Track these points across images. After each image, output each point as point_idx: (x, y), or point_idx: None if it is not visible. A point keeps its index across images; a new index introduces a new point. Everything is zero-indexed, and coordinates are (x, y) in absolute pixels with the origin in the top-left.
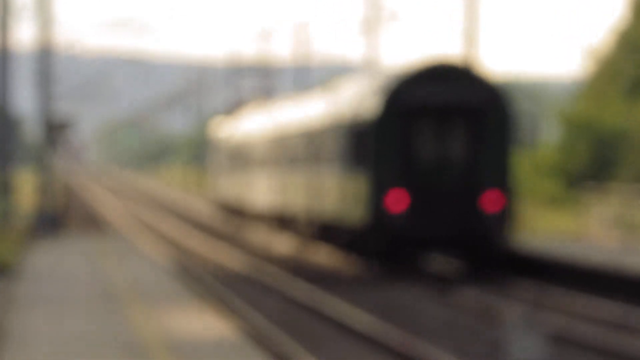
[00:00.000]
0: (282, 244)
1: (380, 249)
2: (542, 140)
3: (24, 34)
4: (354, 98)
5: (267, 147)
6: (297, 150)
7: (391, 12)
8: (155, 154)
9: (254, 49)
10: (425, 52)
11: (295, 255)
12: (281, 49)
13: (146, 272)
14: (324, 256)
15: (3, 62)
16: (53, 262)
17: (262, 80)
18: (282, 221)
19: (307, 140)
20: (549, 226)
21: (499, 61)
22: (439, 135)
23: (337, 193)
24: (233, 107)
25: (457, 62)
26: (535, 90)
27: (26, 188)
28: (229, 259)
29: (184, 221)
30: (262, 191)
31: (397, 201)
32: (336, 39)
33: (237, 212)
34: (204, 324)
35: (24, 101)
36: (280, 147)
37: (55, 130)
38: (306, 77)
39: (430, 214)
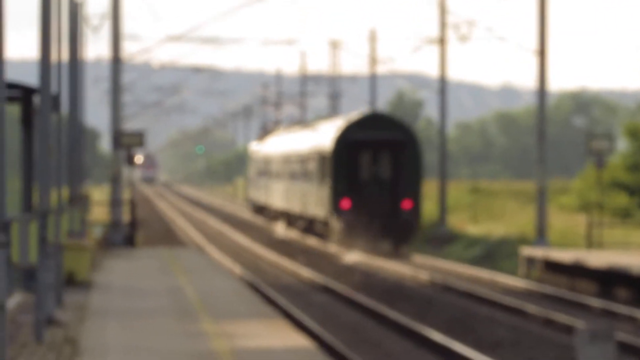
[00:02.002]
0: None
1: (337, 233)
2: (618, 154)
3: (93, 48)
4: (324, 134)
5: (278, 164)
6: (294, 168)
7: (462, 34)
8: (220, 169)
9: (325, 60)
10: (498, 69)
11: (358, 265)
12: (351, 60)
13: (218, 283)
14: (389, 269)
15: (75, 75)
16: (126, 275)
17: (331, 91)
18: (288, 217)
19: (299, 161)
20: (620, 240)
21: (572, 76)
22: (372, 161)
23: (314, 198)
24: (263, 132)
25: (385, 112)
26: (612, 105)
27: (100, 201)
28: (293, 267)
29: (248, 231)
30: (275, 196)
31: (345, 203)
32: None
33: (262, 211)
34: (277, 336)
35: (103, 116)
36: (285, 165)
37: (124, 142)
38: (378, 87)
39: (366, 210)
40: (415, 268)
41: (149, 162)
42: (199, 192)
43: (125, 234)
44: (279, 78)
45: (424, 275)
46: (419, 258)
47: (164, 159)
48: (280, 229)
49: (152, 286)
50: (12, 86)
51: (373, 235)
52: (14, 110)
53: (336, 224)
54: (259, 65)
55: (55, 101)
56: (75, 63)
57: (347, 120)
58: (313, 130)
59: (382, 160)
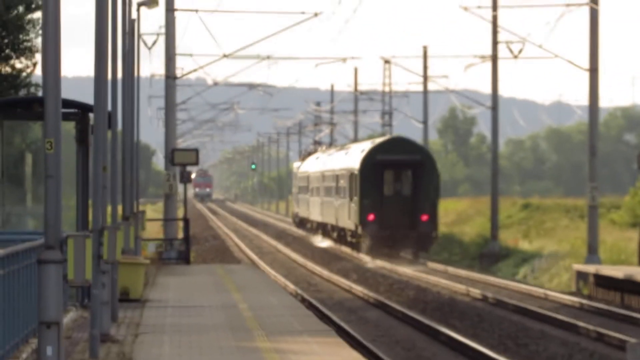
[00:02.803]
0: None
1: (364, 242)
2: None
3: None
4: (354, 155)
5: (316, 181)
6: (329, 185)
7: (514, 51)
8: (273, 185)
9: (378, 77)
10: (550, 86)
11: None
12: (403, 77)
13: (272, 299)
14: (441, 285)
15: (130, 92)
16: (180, 291)
17: (383, 108)
18: (324, 228)
19: (333, 179)
20: None
21: (623, 93)
22: (395, 179)
23: (345, 212)
24: (305, 153)
25: (405, 137)
26: None
27: (154, 218)
28: (346, 283)
29: (301, 248)
30: (313, 210)
31: (371, 216)
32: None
33: (303, 224)
34: (332, 353)
35: (158, 133)
36: (322, 182)
37: (178, 159)
38: (431, 104)
39: (389, 222)
40: (468, 284)
41: (204, 179)
42: (252, 209)
43: (179, 251)
44: (332, 95)
45: (476, 291)
46: (472, 274)
47: (217, 175)
48: (318, 240)
49: (206, 302)
50: (68, 104)
51: (395, 244)
52: (69, 128)
53: (363, 235)
54: (313, 82)
55: (110, 118)
56: (130, 80)
57: (373, 143)
58: (345, 152)
59: (403, 178)
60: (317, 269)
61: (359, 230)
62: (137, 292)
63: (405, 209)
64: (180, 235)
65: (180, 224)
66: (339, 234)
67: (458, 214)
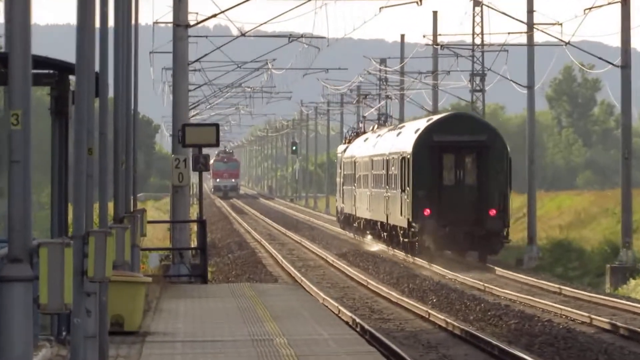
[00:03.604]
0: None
1: (418, 242)
2: None
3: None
4: (407, 136)
5: (363, 168)
6: (378, 173)
7: None
8: (320, 173)
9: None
10: None
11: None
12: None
13: (320, 331)
14: (550, 310)
15: (125, 47)
16: (194, 321)
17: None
18: (372, 228)
19: (382, 165)
20: None
21: None
22: (455, 165)
23: (396, 206)
24: (351, 133)
25: (468, 113)
26: None
27: (158, 219)
28: (422, 308)
29: (359, 260)
30: (360, 204)
31: (427, 210)
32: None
33: (349, 222)
34: None
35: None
36: (369, 169)
37: (192, 139)
38: (538, 60)
39: (449, 218)
40: (591, 310)
41: (227, 165)
42: (292, 206)
43: (193, 265)
44: (402, 49)
45: (602, 320)
46: (596, 296)
47: (243, 161)
48: (366, 242)
49: (229, 336)
50: (40, 62)
51: (457, 245)
52: (43, 95)
53: (418, 233)
54: (376, 32)
55: (98, 82)
56: (126, 30)
57: (428, 121)
58: (398, 132)
59: (466, 164)
60: (383, 288)
61: (413, 227)
62: (135, 322)
63: (468, 202)
64: (194, 243)
65: (194, 227)
66: (390, 234)
67: (576, 212)
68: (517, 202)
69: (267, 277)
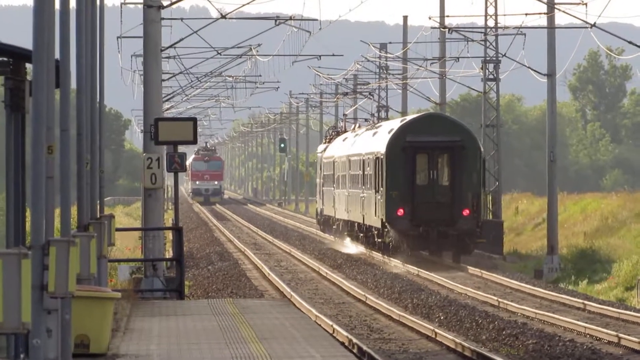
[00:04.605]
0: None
1: (391, 239)
2: None
3: None
4: (381, 136)
5: (341, 168)
6: (355, 173)
7: None
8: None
9: (476, 6)
10: None
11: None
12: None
13: (313, 354)
14: (579, 331)
15: (90, 29)
16: (169, 342)
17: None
18: (350, 229)
19: (359, 165)
20: None
21: None
22: (428, 165)
23: (371, 206)
24: (331, 133)
25: (441, 113)
26: None
27: (128, 226)
28: (426, 326)
29: (357, 271)
30: (338, 206)
31: (400, 210)
32: None
33: (328, 224)
34: None
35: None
36: (347, 169)
37: (166, 135)
38: (560, 46)
39: (422, 218)
40: (619, 328)
41: (209, 164)
42: (280, 211)
43: (167, 278)
44: (405, 33)
45: (632, 339)
46: (625, 312)
47: (226, 160)
48: (345, 244)
49: None
50: None
51: (430, 244)
52: None
53: (392, 233)
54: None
55: (59, 71)
56: (90, 12)
57: (401, 122)
58: (374, 132)
59: (440, 164)
60: (383, 304)
61: (387, 227)
62: (102, 343)
63: (442, 202)
64: (169, 253)
65: (169, 235)
66: (366, 235)
67: (603, 217)
68: (536, 205)
69: (252, 292)
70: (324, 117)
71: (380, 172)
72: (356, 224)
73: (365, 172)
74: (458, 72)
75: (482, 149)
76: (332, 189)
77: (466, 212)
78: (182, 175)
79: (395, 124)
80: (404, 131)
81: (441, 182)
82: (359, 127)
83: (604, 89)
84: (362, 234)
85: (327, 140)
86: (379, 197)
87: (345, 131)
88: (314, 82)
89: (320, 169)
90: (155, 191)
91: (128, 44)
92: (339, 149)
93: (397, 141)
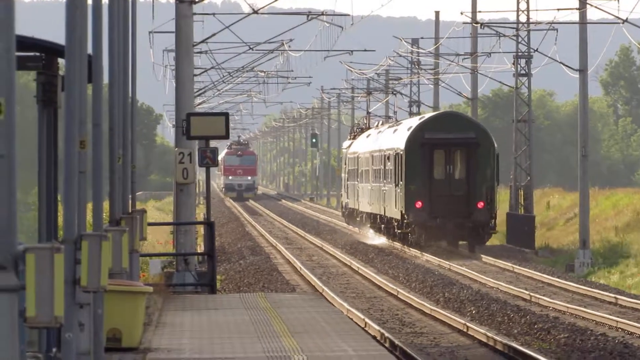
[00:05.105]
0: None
1: (410, 230)
2: None
3: None
4: (401, 133)
5: (365, 163)
6: (377, 168)
7: None
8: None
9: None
10: None
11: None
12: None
13: (345, 348)
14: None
15: (122, 26)
16: (201, 336)
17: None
18: (373, 221)
19: (381, 160)
20: None
21: None
22: (445, 161)
23: (392, 199)
24: (356, 129)
25: (458, 112)
26: None
27: (160, 220)
28: (457, 320)
29: (388, 266)
30: (362, 199)
31: (418, 203)
32: None
33: (352, 216)
34: None
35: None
36: (370, 164)
37: (198, 130)
38: (592, 40)
39: (439, 210)
40: None
41: (242, 159)
42: (312, 206)
43: (199, 272)
44: (437, 28)
45: None
46: None
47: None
48: (369, 236)
49: (242, 354)
50: (25, 44)
51: (447, 235)
52: (28, 81)
53: (410, 224)
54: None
55: (91, 66)
56: (122, 6)
57: (420, 120)
58: (395, 129)
59: (456, 160)
60: (415, 299)
61: (406, 219)
62: (134, 337)
63: (458, 195)
64: (201, 248)
65: (201, 230)
66: (387, 227)
67: (635, 212)
68: (567, 200)
69: (283, 286)
70: (356, 113)
71: (399, 167)
72: (378, 216)
73: (386, 167)
74: (490, 67)
75: (495, 145)
76: (356, 183)
77: (481, 204)
78: (214, 170)
79: (414, 121)
80: (422, 128)
81: (457, 177)
82: (382, 124)
83: (636, 85)
84: (383, 226)
85: (351, 137)
86: (399, 190)
87: (369, 128)
88: (345, 77)
89: (345, 164)
90: (187, 186)
91: (160, 39)
92: (362, 145)
93: (415, 138)
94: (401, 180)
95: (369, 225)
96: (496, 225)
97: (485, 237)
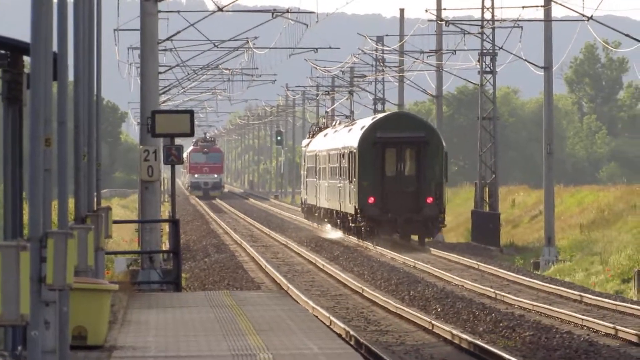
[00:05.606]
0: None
1: (363, 225)
2: None
3: None
4: (355, 132)
5: (322, 161)
6: (333, 165)
7: None
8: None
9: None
10: None
11: None
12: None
13: (311, 346)
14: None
15: (86, 23)
16: (166, 334)
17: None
18: (330, 216)
19: (336, 158)
20: None
21: None
22: (396, 158)
23: (346, 195)
24: (314, 128)
25: (408, 112)
26: None
27: (124, 218)
28: (424, 318)
29: (354, 263)
30: (320, 195)
31: (371, 198)
32: None
33: (311, 212)
34: None
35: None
36: (327, 162)
37: (163, 127)
38: (557, 39)
39: (391, 205)
40: (616, 320)
41: (208, 157)
42: (276, 204)
43: (164, 270)
44: (401, 26)
45: (629, 331)
46: (623, 304)
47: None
48: (327, 230)
49: (207, 351)
50: None
51: (398, 229)
52: None
53: (364, 219)
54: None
55: (56, 63)
56: (87, 3)
57: (372, 120)
58: (349, 128)
59: (406, 157)
60: (380, 296)
61: (359, 214)
62: (99, 335)
63: (408, 191)
64: (166, 245)
65: (166, 228)
66: (343, 221)
67: (600, 210)
68: (533, 197)
69: (248, 284)
70: (320, 110)
71: (353, 165)
72: (334, 212)
73: (342, 165)
74: (455, 65)
75: (444, 144)
76: (315, 180)
77: (430, 200)
78: (180, 168)
79: (367, 121)
80: (374, 128)
81: (407, 173)
82: (339, 123)
83: (601, 82)
84: (339, 220)
85: (310, 135)
86: (353, 187)
87: (327, 127)
88: (310, 74)
89: (304, 161)
90: (152, 184)
91: (125, 37)
92: (320, 144)
93: (368, 137)
94: (355, 177)
95: (326, 220)
96: (444, 220)
97: (434, 231)
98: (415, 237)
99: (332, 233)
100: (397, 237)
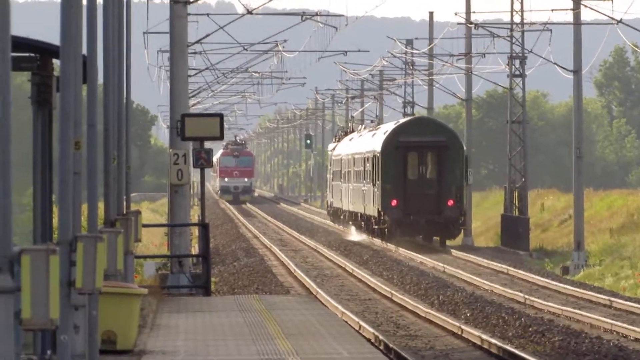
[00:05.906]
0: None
1: (386, 227)
2: None
3: None
4: (378, 136)
5: (347, 165)
6: (358, 169)
7: None
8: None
9: (502, 2)
10: None
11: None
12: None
13: (341, 350)
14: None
15: (117, 27)
16: (196, 338)
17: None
18: (355, 219)
19: (361, 162)
20: None
21: None
22: (418, 162)
23: (370, 198)
24: (340, 133)
25: (431, 117)
26: None
27: (154, 222)
28: (452, 322)
29: (384, 268)
30: (345, 198)
31: (394, 201)
32: None
33: (337, 215)
34: None
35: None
36: (352, 166)
37: (192, 131)
38: (585, 40)
39: (413, 207)
40: None
41: (238, 160)
42: (306, 208)
43: (194, 274)
44: (431, 29)
45: None
46: None
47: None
48: (351, 233)
49: (237, 356)
50: (20, 44)
51: (420, 231)
52: (22, 82)
53: (386, 221)
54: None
55: (86, 66)
56: (117, 6)
57: (395, 125)
58: (373, 133)
59: (428, 161)
60: (409, 301)
61: (382, 216)
62: (128, 339)
63: (430, 194)
64: (195, 249)
65: (195, 232)
66: (367, 223)
67: (629, 214)
68: (562, 201)
69: (277, 288)
70: (350, 113)
71: (377, 168)
72: (359, 214)
73: (365, 169)
74: (484, 68)
75: (464, 148)
76: (340, 183)
77: (450, 202)
78: (209, 172)
79: (390, 126)
80: (397, 132)
81: (429, 177)
82: (364, 128)
83: (630, 85)
84: (363, 223)
85: (336, 140)
86: (376, 190)
87: (353, 131)
88: (340, 78)
89: (330, 165)
90: (182, 187)
91: (154, 40)
92: (345, 148)
93: (391, 141)
94: (378, 181)
95: (351, 223)
96: (465, 222)
97: (455, 233)
98: (436, 239)
99: (357, 235)
100: (419, 239)
